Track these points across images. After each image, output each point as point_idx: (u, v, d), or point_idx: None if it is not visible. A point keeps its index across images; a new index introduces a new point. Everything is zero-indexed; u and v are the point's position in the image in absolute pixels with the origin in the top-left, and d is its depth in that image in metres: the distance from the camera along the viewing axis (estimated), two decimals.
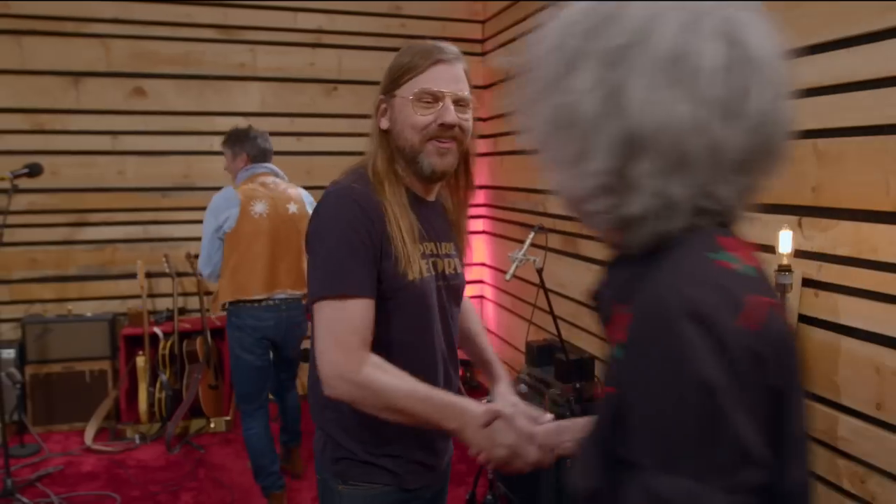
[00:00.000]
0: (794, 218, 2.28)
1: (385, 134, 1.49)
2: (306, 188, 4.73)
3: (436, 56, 1.43)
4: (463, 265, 1.64)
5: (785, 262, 1.98)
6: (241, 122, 4.58)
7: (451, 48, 1.46)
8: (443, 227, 1.57)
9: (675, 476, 0.68)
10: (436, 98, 1.42)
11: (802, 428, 0.80)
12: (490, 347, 1.80)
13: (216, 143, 4.52)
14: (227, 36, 4.56)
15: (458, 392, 1.53)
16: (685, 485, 0.68)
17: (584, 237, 3.68)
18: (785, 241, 1.99)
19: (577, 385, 3.05)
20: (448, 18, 4.98)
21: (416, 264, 1.42)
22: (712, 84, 0.71)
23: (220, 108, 4.56)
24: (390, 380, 1.34)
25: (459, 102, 1.44)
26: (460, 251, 1.62)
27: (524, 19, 4.34)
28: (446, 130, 1.43)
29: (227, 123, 4.53)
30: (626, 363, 0.74)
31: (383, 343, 1.43)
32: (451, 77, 1.44)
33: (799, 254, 2.22)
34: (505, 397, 1.61)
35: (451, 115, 1.42)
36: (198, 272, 3.70)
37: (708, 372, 0.67)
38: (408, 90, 1.42)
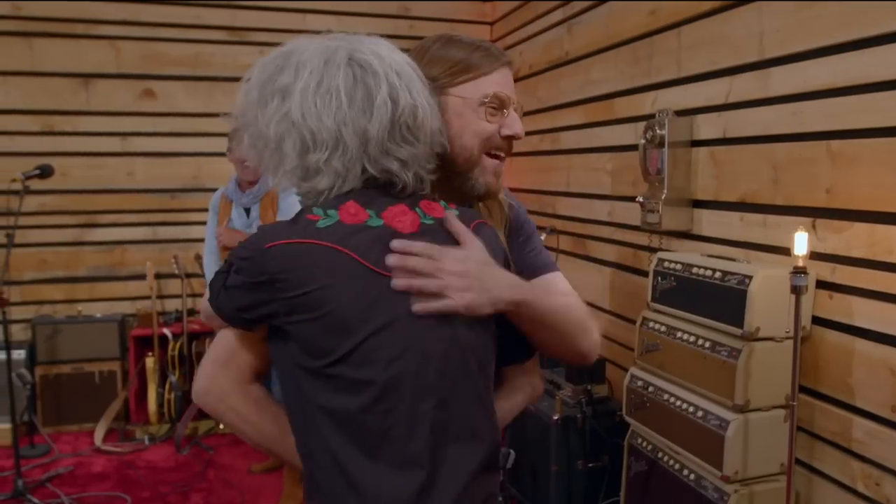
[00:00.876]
0: (807, 220, 2.27)
1: None
2: None
3: (503, 59, 1.27)
4: None
5: (800, 263, 1.97)
6: None
7: (503, 52, 1.30)
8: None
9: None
10: (502, 105, 1.25)
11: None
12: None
13: (225, 144, 4.55)
14: (237, 38, 4.57)
15: None
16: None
17: (594, 238, 3.67)
18: (800, 243, 1.98)
19: (588, 387, 3.05)
20: (457, 20, 4.98)
21: None
22: (347, 94, 1.09)
23: (230, 109, 4.54)
24: None
25: (518, 113, 1.29)
26: None
27: (533, 20, 4.33)
28: (508, 142, 1.28)
29: None
30: None
31: None
32: (512, 84, 1.28)
33: (813, 255, 2.21)
34: None
35: (520, 125, 1.27)
36: (204, 273, 3.72)
37: (230, 278, 1.10)
38: (471, 91, 1.23)
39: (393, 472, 1.06)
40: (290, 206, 3.01)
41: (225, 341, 1.17)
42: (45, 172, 3.44)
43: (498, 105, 1.24)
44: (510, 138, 1.27)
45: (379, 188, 1.13)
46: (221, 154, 4.47)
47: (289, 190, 1.32)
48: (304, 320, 1.05)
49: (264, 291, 1.06)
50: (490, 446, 1.16)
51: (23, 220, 3.76)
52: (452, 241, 1.13)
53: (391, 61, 1.13)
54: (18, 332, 4.26)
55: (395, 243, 1.08)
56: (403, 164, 1.13)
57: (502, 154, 1.29)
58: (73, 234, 4.45)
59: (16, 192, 3.39)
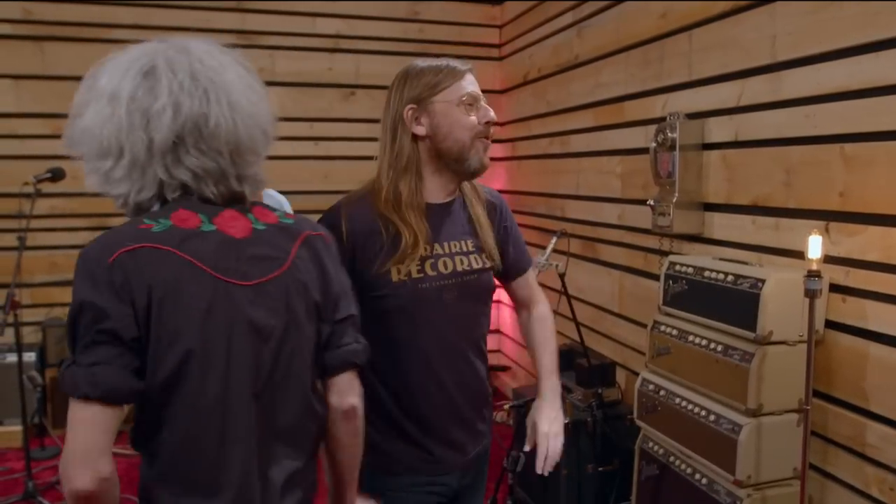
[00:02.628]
0: (821, 223, 2.26)
1: (416, 140, 1.61)
2: (324, 193, 4.76)
3: (464, 68, 1.63)
4: (488, 260, 1.70)
5: (814, 267, 1.96)
6: None
7: (464, 62, 1.66)
8: (459, 226, 1.67)
9: (68, 363, 1.06)
10: (475, 100, 1.61)
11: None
12: (546, 360, 1.86)
13: None
14: (246, 41, 4.58)
15: (482, 382, 1.73)
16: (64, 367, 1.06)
17: (604, 242, 3.66)
18: (814, 247, 1.97)
19: (599, 390, 3.04)
20: (465, 23, 4.99)
21: (405, 266, 1.56)
22: (129, 103, 1.10)
23: None
24: None
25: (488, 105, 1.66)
26: (484, 246, 1.69)
27: (541, 24, 4.33)
28: (489, 128, 1.63)
29: None
30: None
31: (379, 341, 1.53)
32: (477, 84, 1.64)
33: (826, 259, 2.20)
34: (537, 414, 1.78)
35: (493, 113, 1.63)
36: None
37: (77, 291, 1.06)
38: (450, 95, 1.59)
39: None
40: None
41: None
42: (57, 175, 3.46)
43: (472, 101, 1.60)
44: (489, 124, 1.62)
45: (202, 196, 1.17)
46: None
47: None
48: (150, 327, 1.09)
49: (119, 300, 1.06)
50: (314, 440, 1.28)
51: (34, 223, 3.77)
52: (289, 244, 1.22)
53: (203, 69, 1.14)
54: (29, 335, 4.27)
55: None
56: (196, 176, 1.14)
57: (487, 136, 1.63)
58: (83, 237, 4.45)
59: (27, 195, 3.40)
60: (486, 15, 5.06)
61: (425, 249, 1.59)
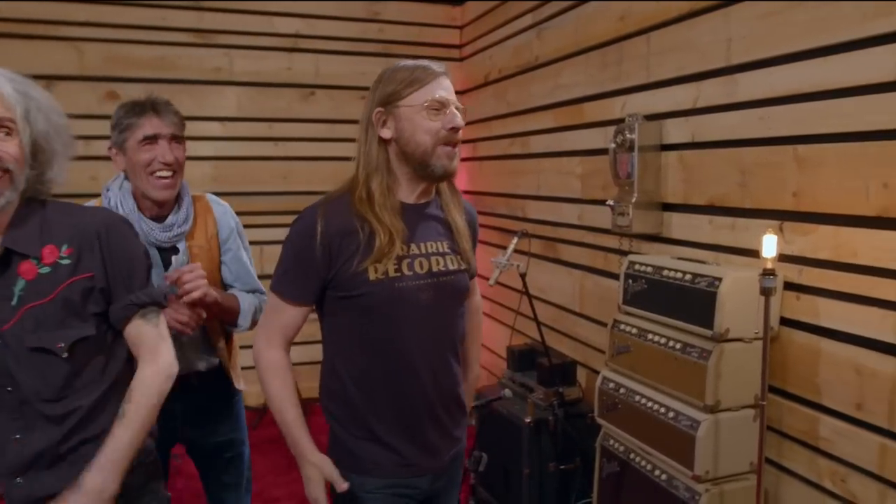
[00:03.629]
0: (775, 222, 2.31)
1: (384, 142, 1.62)
2: (284, 194, 4.73)
3: (436, 70, 1.61)
4: (463, 262, 1.72)
5: (769, 266, 2.00)
6: (218, 127, 4.58)
7: (440, 65, 1.66)
8: (434, 227, 1.69)
9: None
10: (443, 105, 1.59)
11: None
12: (472, 350, 1.95)
13: (192, 148, 4.45)
14: (203, 40, 4.51)
15: (457, 384, 1.75)
16: None
17: (564, 242, 3.70)
18: (769, 246, 2.01)
19: (560, 389, 3.06)
20: (426, 24, 4.98)
21: (382, 265, 1.57)
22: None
23: (197, 112, 4.50)
24: (275, 388, 1.64)
25: (458, 110, 1.63)
26: (459, 249, 1.72)
27: (502, 25, 4.36)
28: (454, 134, 1.61)
29: (203, 128, 4.51)
30: None
31: (356, 341, 1.61)
32: (449, 88, 1.62)
33: (781, 258, 2.25)
34: None
35: (459, 119, 1.61)
36: None
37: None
38: (416, 99, 1.58)
39: None
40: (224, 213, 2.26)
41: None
42: None
43: (438, 107, 1.58)
44: (453, 130, 1.60)
45: None
46: (188, 158, 4.42)
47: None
48: None
49: None
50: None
51: None
52: None
53: None
54: None
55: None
56: None
57: (452, 142, 1.61)
58: None
59: None
60: (447, 16, 5.06)
61: (402, 249, 1.60)
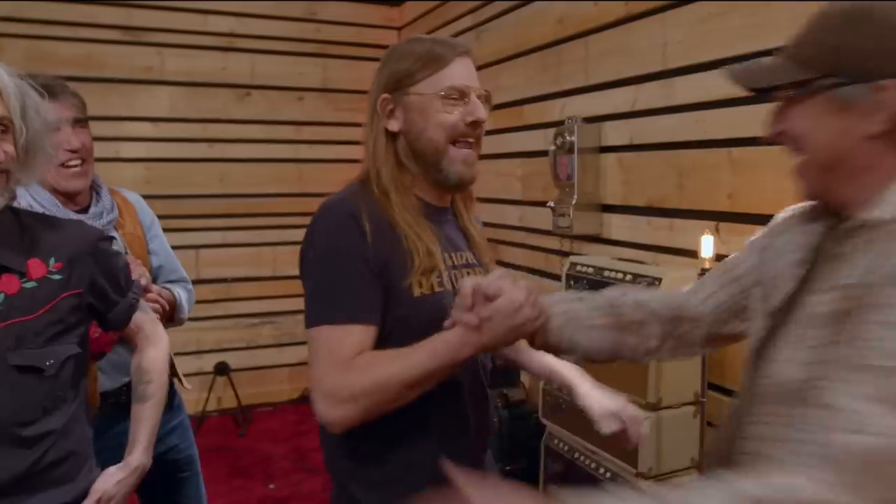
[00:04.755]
0: (711, 223, 2.37)
1: (393, 136, 1.33)
2: (220, 196, 4.61)
3: (459, 48, 1.30)
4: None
5: (707, 265, 2.05)
6: (150, 128, 4.43)
7: (463, 42, 1.34)
8: (457, 236, 1.43)
9: None
10: (462, 94, 1.28)
11: None
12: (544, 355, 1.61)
13: (123, 149, 4.33)
14: (132, 38, 4.36)
15: (487, 408, 1.45)
16: None
17: (506, 243, 3.71)
18: (706, 246, 2.06)
19: (504, 391, 3.07)
20: (364, 24, 4.93)
21: (428, 279, 1.27)
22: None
23: (127, 112, 4.35)
24: (377, 372, 1.18)
25: (482, 99, 1.32)
26: (482, 262, 1.44)
27: (441, 27, 4.35)
28: (475, 129, 1.30)
29: (134, 129, 4.36)
30: None
31: None
32: (472, 72, 1.32)
33: (717, 258, 2.30)
34: (591, 396, 1.56)
35: (482, 111, 1.30)
36: None
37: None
38: (430, 86, 1.28)
39: None
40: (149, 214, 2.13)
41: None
42: None
43: (458, 95, 1.28)
44: (474, 124, 1.29)
45: None
46: (119, 159, 4.28)
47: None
48: None
49: None
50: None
51: None
52: None
53: None
54: None
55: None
56: None
57: (470, 141, 1.31)
58: None
59: None
60: (385, 17, 5.03)
61: (450, 259, 1.33)
